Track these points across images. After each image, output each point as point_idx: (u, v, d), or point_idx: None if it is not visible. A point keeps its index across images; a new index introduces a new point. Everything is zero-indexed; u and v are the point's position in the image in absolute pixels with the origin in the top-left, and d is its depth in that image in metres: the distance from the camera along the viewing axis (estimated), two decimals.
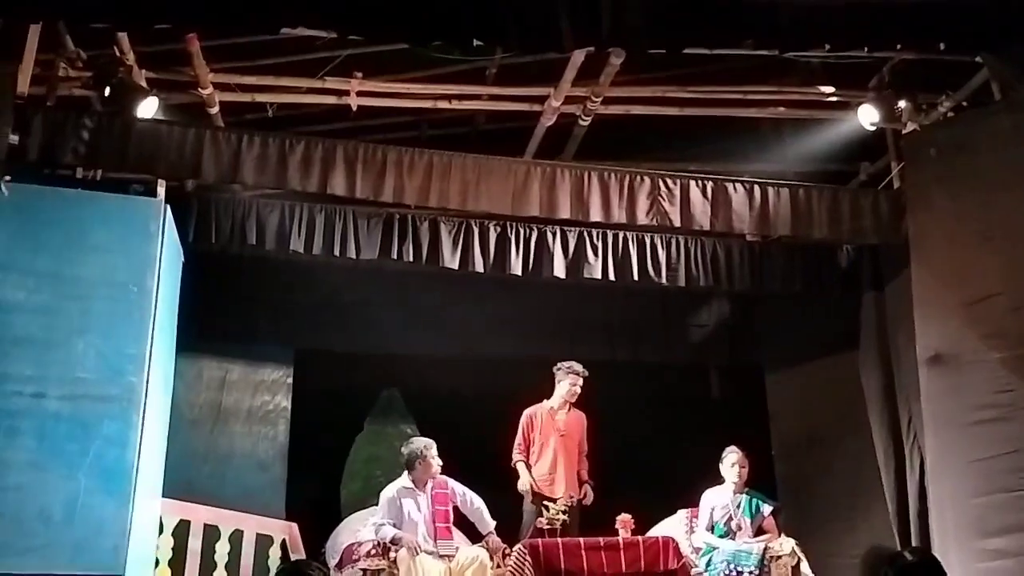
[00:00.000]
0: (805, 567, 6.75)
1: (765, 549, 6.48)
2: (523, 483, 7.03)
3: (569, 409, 7.25)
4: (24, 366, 5.48)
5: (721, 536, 6.80)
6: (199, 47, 6.58)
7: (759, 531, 6.79)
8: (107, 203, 6.04)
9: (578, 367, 7.24)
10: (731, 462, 6.93)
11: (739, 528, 6.79)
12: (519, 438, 7.17)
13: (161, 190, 6.67)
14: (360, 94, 7.19)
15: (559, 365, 7.28)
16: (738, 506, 6.86)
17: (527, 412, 7.23)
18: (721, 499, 6.91)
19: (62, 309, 5.61)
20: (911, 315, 6.99)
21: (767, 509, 6.88)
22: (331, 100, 7.29)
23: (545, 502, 6.78)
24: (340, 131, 7.42)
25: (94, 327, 5.64)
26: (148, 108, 6.61)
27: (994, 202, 6.68)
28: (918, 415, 7.09)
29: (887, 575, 5.92)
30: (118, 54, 6.56)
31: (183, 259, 6.70)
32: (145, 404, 5.65)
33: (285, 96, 7.29)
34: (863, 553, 7.68)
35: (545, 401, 7.26)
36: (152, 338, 5.76)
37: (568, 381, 7.20)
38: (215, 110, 7.17)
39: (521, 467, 7.09)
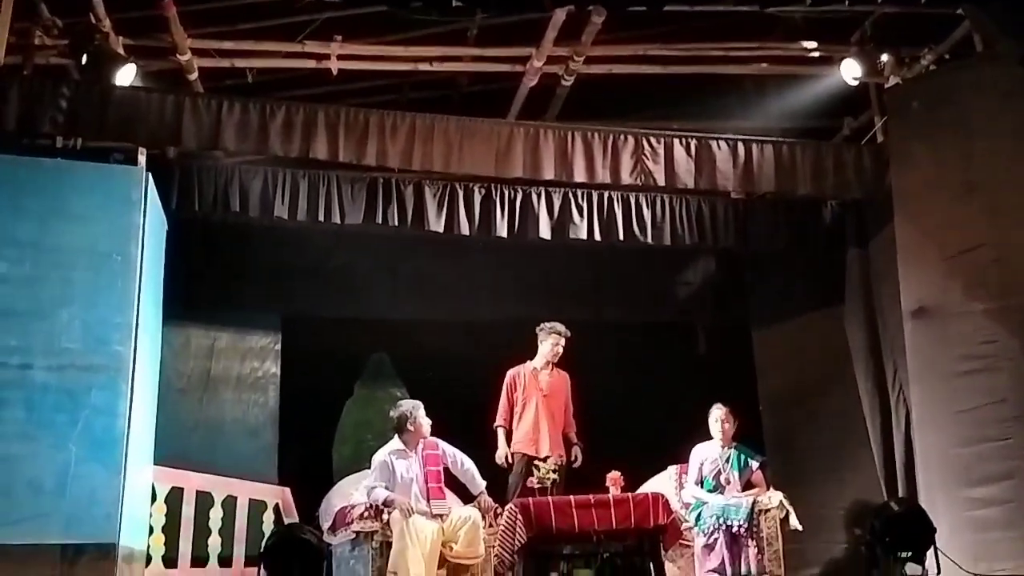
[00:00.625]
0: (793, 520, 6.81)
1: (754, 503, 6.53)
2: (499, 455, 7.07)
3: (552, 370, 7.26)
4: (9, 337, 5.46)
5: (710, 491, 6.83)
6: (176, 12, 6.51)
7: (748, 485, 6.81)
8: (87, 172, 5.99)
9: (560, 327, 7.23)
10: (715, 418, 6.96)
11: (727, 482, 6.82)
12: (503, 400, 7.19)
13: (142, 158, 6.62)
14: (340, 58, 7.15)
15: (542, 325, 7.28)
16: (726, 460, 6.88)
17: (510, 372, 7.25)
18: (710, 454, 6.94)
19: (45, 279, 5.58)
20: (895, 269, 7.04)
21: (755, 463, 6.90)
22: (311, 64, 7.24)
23: (536, 462, 6.82)
24: (321, 96, 7.37)
25: (78, 297, 5.62)
26: (126, 75, 6.56)
27: (976, 155, 6.72)
28: (903, 368, 7.16)
29: (874, 526, 6.08)
30: (94, 21, 6.50)
31: (167, 227, 6.66)
32: (133, 373, 5.64)
33: (264, 61, 7.23)
34: (848, 505, 7.77)
35: (528, 362, 7.28)
36: (137, 307, 5.74)
37: (551, 341, 7.20)
38: (194, 76, 7.12)
39: (501, 435, 7.12)
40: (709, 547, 6.53)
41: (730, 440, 6.95)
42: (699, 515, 6.67)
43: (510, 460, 7.07)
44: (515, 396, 7.18)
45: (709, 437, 7.04)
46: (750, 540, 6.42)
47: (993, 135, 6.66)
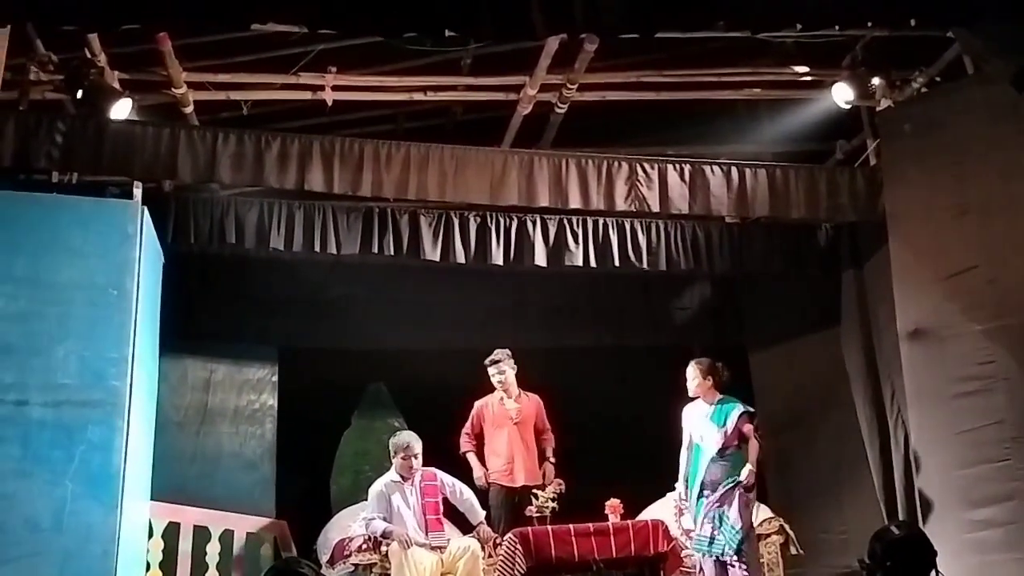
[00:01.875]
0: (794, 544, 6.80)
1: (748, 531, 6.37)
2: (477, 475, 7.07)
3: (520, 396, 7.25)
4: (5, 374, 5.42)
5: (697, 452, 6.55)
6: (171, 46, 6.54)
7: (736, 439, 6.46)
8: (83, 206, 5.97)
9: (496, 355, 7.20)
10: (687, 376, 6.69)
11: (701, 438, 6.54)
12: (467, 426, 7.20)
13: (138, 192, 6.64)
14: (335, 88, 7.17)
15: (485, 361, 7.25)
16: (707, 416, 6.58)
17: (478, 403, 7.27)
18: (694, 412, 6.67)
19: (41, 315, 5.55)
20: (891, 291, 7.05)
21: (736, 415, 6.48)
22: (306, 96, 7.27)
23: (534, 490, 6.79)
24: (316, 127, 7.41)
25: (74, 332, 5.59)
26: (122, 109, 6.59)
27: (968, 176, 6.75)
28: (901, 390, 7.15)
29: (875, 550, 6.02)
30: (89, 56, 6.53)
31: (163, 260, 6.66)
32: (129, 408, 5.60)
33: (259, 93, 7.27)
34: (848, 529, 7.72)
35: (495, 391, 7.27)
36: (134, 341, 5.71)
37: (492, 372, 7.19)
38: (189, 109, 7.14)
39: (471, 458, 7.12)
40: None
41: (711, 395, 6.61)
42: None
43: (487, 479, 7.03)
44: (483, 426, 7.19)
45: None
46: (739, 564, 6.29)
47: (985, 156, 6.69)
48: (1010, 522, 6.28)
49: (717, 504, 6.34)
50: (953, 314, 6.69)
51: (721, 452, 6.45)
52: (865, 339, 7.87)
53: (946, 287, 6.74)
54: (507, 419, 7.16)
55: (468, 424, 7.23)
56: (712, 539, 6.34)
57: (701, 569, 6.44)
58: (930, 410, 6.74)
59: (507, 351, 7.28)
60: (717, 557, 6.31)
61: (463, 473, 6.98)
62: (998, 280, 6.55)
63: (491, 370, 7.21)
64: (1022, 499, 6.26)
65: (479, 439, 7.21)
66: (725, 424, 6.49)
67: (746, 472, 6.37)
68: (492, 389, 7.33)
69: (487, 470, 7.08)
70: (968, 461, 6.48)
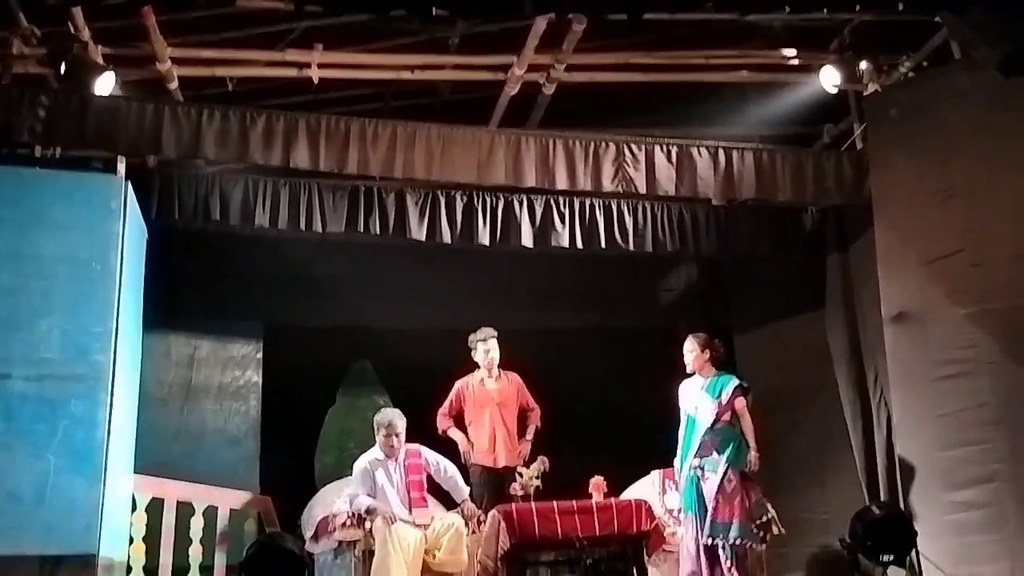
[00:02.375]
0: (776, 525, 6.83)
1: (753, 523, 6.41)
2: (464, 449, 7.07)
3: (500, 376, 7.25)
4: None
5: (690, 425, 6.59)
6: (155, 21, 6.49)
7: (729, 413, 6.54)
8: (66, 181, 5.97)
9: (483, 332, 7.23)
10: (684, 350, 6.76)
11: (696, 409, 6.60)
12: (445, 406, 7.21)
13: (121, 167, 6.59)
14: (321, 66, 7.12)
15: (470, 337, 7.27)
16: (702, 388, 6.66)
17: (458, 383, 7.26)
18: (690, 387, 6.74)
19: (24, 289, 5.56)
20: (875, 274, 7.08)
21: (731, 387, 6.59)
22: (292, 73, 7.22)
23: (519, 468, 6.81)
24: (302, 104, 7.36)
25: (57, 306, 5.60)
26: (105, 84, 6.53)
27: (954, 160, 6.77)
28: (884, 372, 7.19)
29: (856, 530, 6.08)
30: (73, 30, 6.47)
31: (147, 236, 6.64)
32: (113, 382, 5.61)
33: (245, 69, 7.20)
34: (830, 510, 7.78)
35: (476, 371, 7.28)
36: (117, 316, 5.72)
37: (480, 349, 7.20)
38: (174, 85, 7.09)
39: (453, 433, 7.13)
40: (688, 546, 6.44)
41: (707, 369, 6.70)
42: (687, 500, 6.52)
43: (471, 453, 7.05)
44: (463, 407, 7.20)
45: None
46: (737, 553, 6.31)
47: (971, 141, 6.71)
48: (990, 504, 6.33)
49: (737, 492, 6.39)
50: (937, 298, 6.72)
51: (713, 425, 6.51)
52: (849, 322, 7.90)
53: (930, 271, 6.78)
54: (489, 399, 7.17)
55: (447, 404, 7.23)
56: (729, 525, 6.37)
57: (700, 554, 6.38)
58: (913, 393, 6.79)
59: (493, 330, 7.28)
60: (722, 544, 6.30)
61: (446, 451, 6.98)
62: (982, 264, 6.58)
63: (480, 346, 7.21)
64: (1003, 481, 6.32)
65: (457, 419, 7.21)
66: (719, 396, 6.58)
67: (753, 458, 6.48)
68: (475, 368, 7.33)
69: (472, 445, 7.08)
70: (950, 443, 6.53)
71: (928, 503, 6.57)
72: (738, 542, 6.37)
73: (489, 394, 7.18)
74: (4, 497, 5.28)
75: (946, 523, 6.45)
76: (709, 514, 6.41)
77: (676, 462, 6.72)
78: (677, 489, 6.91)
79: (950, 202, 6.76)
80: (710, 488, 6.43)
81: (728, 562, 6.28)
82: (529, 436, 7.19)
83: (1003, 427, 6.35)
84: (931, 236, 6.82)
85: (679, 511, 6.81)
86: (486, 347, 7.20)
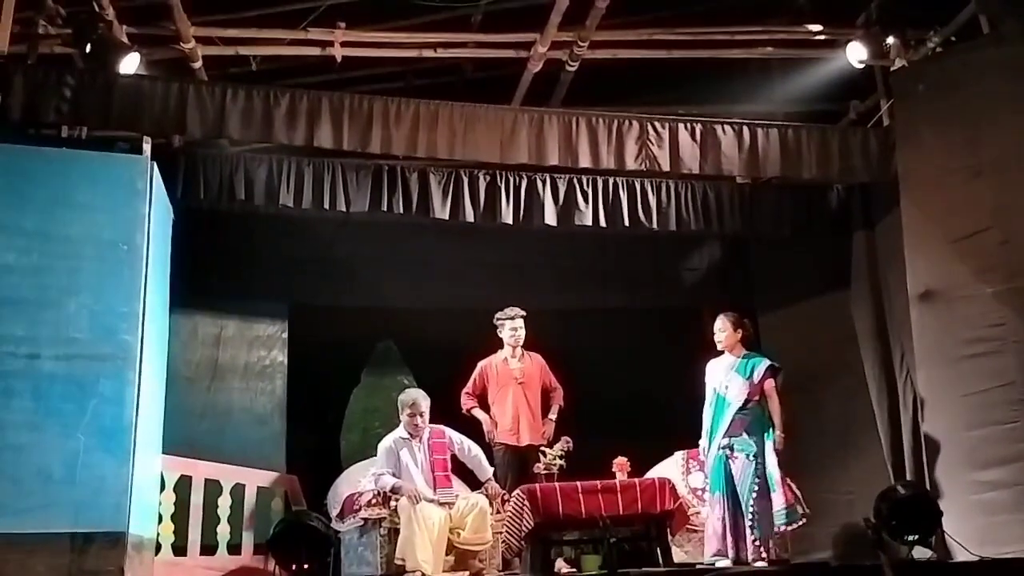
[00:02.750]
0: (800, 505, 6.82)
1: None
2: (488, 428, 7.08)
3: (523, 356, 7.25)
4: (16, 327, 5.48)
5: (719, 405, 6.51)
6: (179, 1, 6.50)
7: (759, 393, 6.47)
8: (93, 161, 6.00)
9: (511, 311, 7.23)
10: (713, 328, 6.71)
11: (726, 389, 6.52)
12: (469, 386, 7.23)
13: (147, 147, 6.61)
14: (344, 44, 7.14)
15: (497, 315, 7.28)
16: (732, 368, 6.58)
17: (481, 363, 7.28)
18: (718, 366, 6.66)
19: (52, 269, 5.59)
20: (902, 253, 7.02)
21: (762, 367, 6.51)
22: (315, 51, 7.23)
23: (542, 448, 6.83)
24: (325, 83, 7.37)
25: (85, 286, 5.63)
26: (130, 64, 6.56)
27: (982, 137, 6.70)
28: (910, 351, 7.15)
29: (880, 510, 6.07)
30: (98, 10, 6.50)
31: (172, 216, 6.67)
32: (140, 362, 5.65)
33: (268, 48, 7.23)
34: (855, 489, 7.75)
35: (500, 351, 7.28)
36: (144, 296, 5.75)
37: (507, 327, 7.21)
38: (198, 64, 7.12)
39: (477, 413, 7.14)
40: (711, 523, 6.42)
41: (738, 348, 6.62)
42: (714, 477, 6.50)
43: (495, 432, 7.07)
44: (487, 386, 7.21)
45: None
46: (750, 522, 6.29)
47: (1000, 117, 6.63)
48: (1017, 483, 6.29)
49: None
50: (964, 276, 6.67)
51: (744, 405, 6.45)
52: (875, 301, 7.85)
53: (958, 249, 6.72)
54: (511, 379, 7.17)
55: (470, 383, 7.25)
56: (791, 509, 6.40)
57: (727, 533, 6.32)
58: (939, 372, 6.74)
59: (521, 310, 7.27)
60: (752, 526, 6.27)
61: (470, 431, 7.00)
62: (1010, 242, 6.52)
63: (508, 324, 7.21)
64: None
65: (480, 399, 7.23)
66: (751, 376, 6.50)
67: (778, 438, 6.42)
68: (499, 347, 7.34)
69: (495, 424, 7.09)
70: (976, 423, 6.49)
71: (954, 483, 6.54)
72: (790, 527, 6.38)
73: (512, 373, 7.19)
74: (34, 476, 5.33)
75: (972, 503, 6.42)
76: (753, 506, 6.30)
77: (703, 441, 6.66)
78: (701, 469, 6.90)
79: (978, 179, 6.69)
80: (739, 469, 6.37)
81: (757, 541, 6.25)
82: (552, 416, 7.20)
83: None
84: (959, 214, 6.75)
85: (703, 491, 6.81)
86: (513, 326, 7.21)
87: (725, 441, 6.44)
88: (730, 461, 6.42)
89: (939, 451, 6.70)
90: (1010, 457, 6.35)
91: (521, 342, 7.24)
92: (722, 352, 6.70)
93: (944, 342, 6.72)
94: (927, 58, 7.23)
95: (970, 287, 6.62)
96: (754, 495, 6.32)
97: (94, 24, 6.45)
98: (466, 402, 7.22)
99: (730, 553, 6.27)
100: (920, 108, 7.01)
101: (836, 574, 5.47)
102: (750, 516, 6.29)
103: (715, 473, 6.48)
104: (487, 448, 7.03)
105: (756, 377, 6.50)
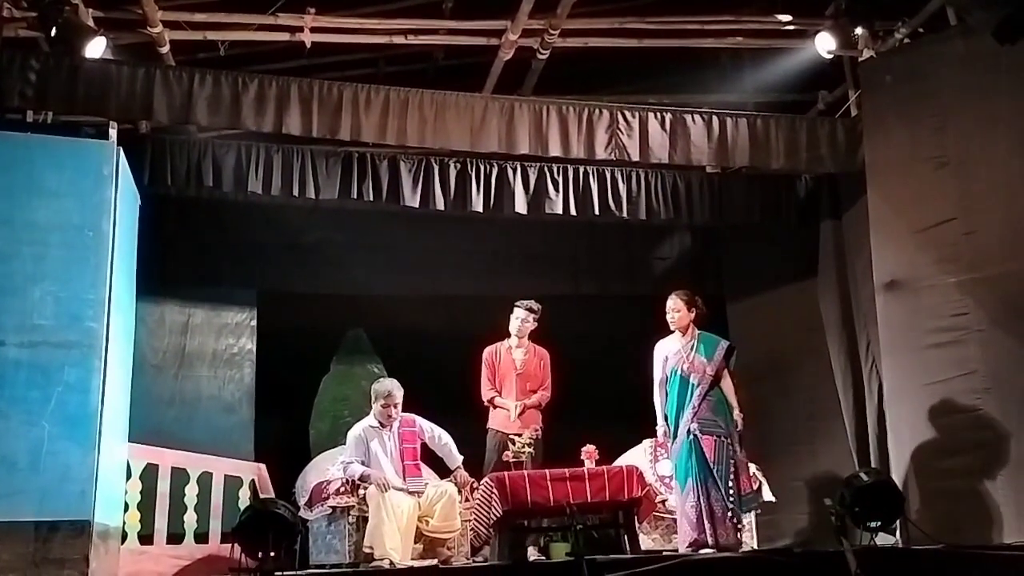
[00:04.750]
0: (766, 491, 6.89)
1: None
2: (512, 412, 6.98)
3: (528, 347, 7.24)
4: None
5: (679, 385, 6.33)
6: None
7: (717, 376, 6.35)
8: (58, 146, 5.90)
9: (526, 303, 7.17)
10: (667, 307, 6.52)
11: (692, 369, 6.33)
12: (485, 373, 7.17)
13: (113, 132, 6.55)
14: (314, 30, 7.08)
15: (516, 303, 7.25)
16: (691, 348, 6.42)
17: (487, 350, 7.24)
18: (672, 346, 6.47)
19: (16, 255, 5.51)
20: (868, 242, 7.10)
21: (722, 348, 6.41)
22: (284, 37, 7.17)
23: (511, 436, 6.84)
24: (295, 70, 7.31)
25: (50, 273, 5.56)
26: (96, 48, 6.48)
27: (949, 127, 6.77)
28: (876, 340, 7.23)
29: (843, 496, 6.14)
30: None
31: (139, 202, 6.61)
32: (106, 349, 5.59)
33: (237, 33, 7.16)
34: (820, 476, 7.84)
35: (506, 339, 7.29)
36: (110, 283, 5.68)
37: (515, 317, 7.15)
38: (166, 49, 7.04)
39: (499, 400, 7.08)
40: (684, 509, 6.25)
41: (690, 329, 6.47)
42: (676, 468, 6.36)
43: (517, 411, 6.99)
44: (493, 372, 7.18)
45: None
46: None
47: (966, 108, 6.71)
48: (979, 471, 6.40)
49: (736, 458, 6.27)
50: (929, 266, 6.75)
51: (711, 386, 6.31)
52: (842, 290, 7.93)
53: (923, 239, 6.80)
54: (511, 368, 7.14)
55: (486, 371, 7.14)
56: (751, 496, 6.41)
57: (704, 519, 6.15)
58: (903, 360, 6.83)
59: (532, 303, 7.19)
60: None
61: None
62: (974, 232, 6.60)
63: (526, 315, 7.11)
64: (991, 449, 6.37)
65: (495, 383, 7.13)
66: (714, 356, 6.38)
67: (739, 420, 6.29)
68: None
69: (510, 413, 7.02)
70: (939, 411, 6.58)
71: (918, 470, 6.62)
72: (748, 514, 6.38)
73: (513, 363, 7.16)
74: None
75: (935, 490, 6.52)
76: (732, 487, 6.19)
77: (662, 425, 6.48)
78: (668, 456, 6.89)
79: (943, 170, 6.77)
80: (713, 451, 6.19)
81: (739, 523, 6.17)
82: (530, 401, 7.10)
83: (992, 395, 6.40)
84: (924, 204, 6.84)
85: (671, 478, 6.81)
86: (517, 315, 7.14)
87: (694, 425, 6.24)
88: (701, 444, 6.20)
89: (903, 439, 6.79)
90: (973, 445, 6.45)
91: (524, 334, 7.17)
92: (672, 332, 6.52)
93: (908, 331, 6.80)
94: (895, 49, 7.30)
95: (934, 277, 6.71)
96: (731, 477, 6.19)
97: (60, 7, 6.35)
98: (486, 393, 7.11)
99: (710, 540, 6.07)
100: (887, 99, 7.07)
101: (799, 559, 5.50)
102: (732, 499, 6.16)
103: (683, 458, 6.27)
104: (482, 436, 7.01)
105: (717, 357, 6.37)
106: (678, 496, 6.36)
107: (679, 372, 6.39)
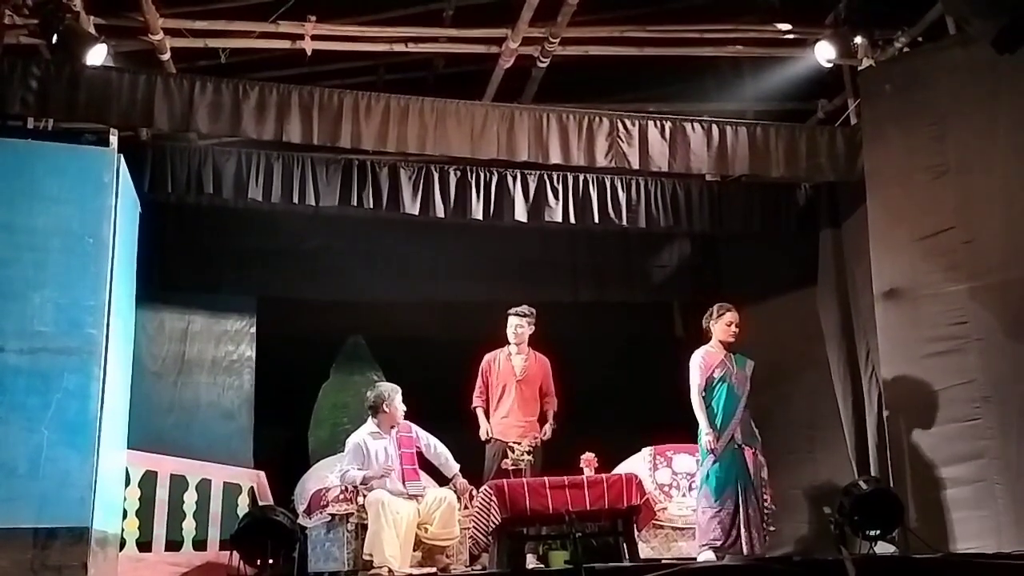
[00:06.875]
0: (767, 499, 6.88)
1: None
2: (483, 432, 7.06)
3: (529, 354, 7.23)
4: None
5: (725, 393, 6.40)
6: None
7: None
8: (59, 153, 5.93)
9: (520, 309, 7.17)
10: (727, 320, 6.56)
11: (735, 384, 6.44)
12: (478, 381, 7.18)
13: (114, 139, 6.57)
14: (315, 38, 7.09)
15: (510, 310, 7.26)
16: (732, 361, 6.54)
17: (486, 357, 7.24)
18: (716, 356, 6.53)
19: (17, 261, 5.53)
20: (868, 251, 7.10)
21: (750, 365, 6.58)
22: (285, 45, 7.18)
23: (510, 443, 6.83)
24: (295, 77, 7.33)
25: (51, 279, 5.57)
26: (97, 55, 6.49)
27: (948, 136, 6.78)
28: (875, 349, 7.22)
29: (843, 505, 6.14)
30: (65, 0, 6.41)
31: (140, 210, 6.62)
32: (106, 356, 5.60)
33: (238, 41, 7.16)
34: (820, 485, 7.83)
35: (505, 346, 7.28)
36: (110, 290, 5.70)
37: (510, 323, 7.14)
38: (166, 57, 7.05)
39: (479, 413, 7.11)
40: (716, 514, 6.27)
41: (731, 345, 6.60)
42: (710, 475, 6.36)
43: (491, 434, 7.03)
44: (490, 379, 7.17)
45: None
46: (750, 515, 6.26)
47: (965, 117, 6.72)
48: (978, 480, 6.40)
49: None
50: (928, 274, 6.76)
51: (747, 398, 6.46)
52: (841, 298, 7.93)
53: (922, 247, 6.80)
54: (511, 375, 7.13)
55: (480, 380, 7.16)
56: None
57: (739, 526, 6.23)
58: (903, 369, 6.82)
59: (526, 308, 7.21)
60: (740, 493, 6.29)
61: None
62: (974, 241, 6.61)
63: (520, 321, 7.12)
64: (991, 458, 6.37)
65: (488, 393, 7.16)
66: (746, 369, 6.54)
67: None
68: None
69: (490, 424, 7.07)
70: (939, 420, 6.58)
71: (917, 479, 6.62)
72: None
73: (513, 370, 7.15)
74: None
75: (934, 499, 6.50)
76: (767, 497, 6.44)
77: (710, 432, 6.37)
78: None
79: (943, 178, 6.78)
80: (753, 462, 6.36)
81: (766, 533, 6.33)
82: (552, 422, 7.10)
83: (991, 404, 6.40)
84: (923, 212, 6.84)
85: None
86: (514, 323, 7.13)
87: (738, 435, 6.36)
88: (745, 454, 6.35)
89: (902, 447, 6.78)
90: (972, 454, 6.44)
91: (523, 340, 7.16)
92: (709, 341, 6.61)
93: (908, 340, 6.80)
94: (894, 58, 7.31)
95: (934, 285, 6.71)
96: (763, 488, 6.43)
97: (61, 14, 6.36)
98: (477, 400, 7.12)
99: (745, 549, 6.15)
100: (887, 108, 7.09)
101: (799, 568, 5.49)
102: (767, 509, 6.38)
103: (727, 466, 6.31)
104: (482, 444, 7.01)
105: (749, 372, 6.54)
106: (704, 501, 6.36)
107: (728, 382, 6.48)
